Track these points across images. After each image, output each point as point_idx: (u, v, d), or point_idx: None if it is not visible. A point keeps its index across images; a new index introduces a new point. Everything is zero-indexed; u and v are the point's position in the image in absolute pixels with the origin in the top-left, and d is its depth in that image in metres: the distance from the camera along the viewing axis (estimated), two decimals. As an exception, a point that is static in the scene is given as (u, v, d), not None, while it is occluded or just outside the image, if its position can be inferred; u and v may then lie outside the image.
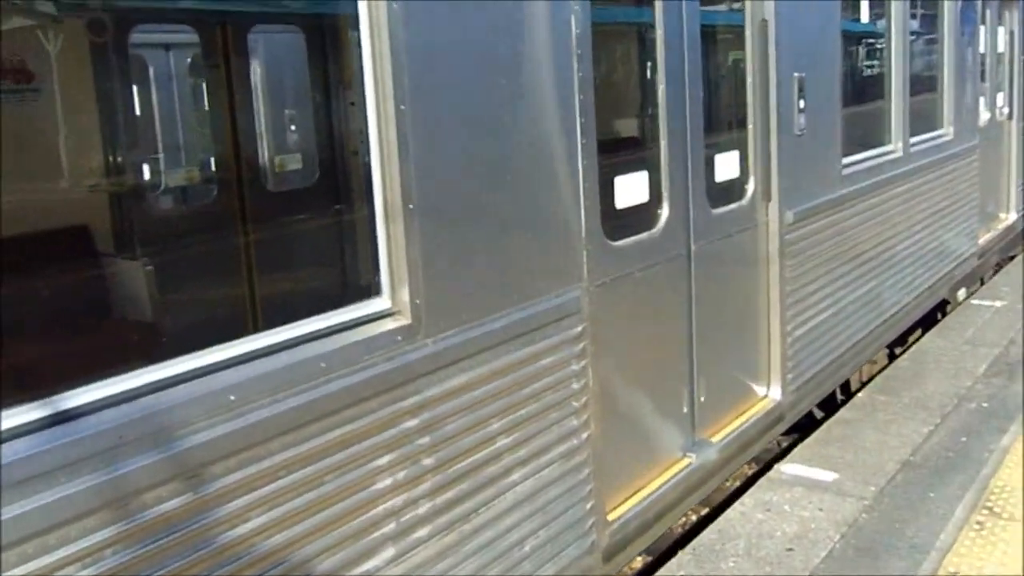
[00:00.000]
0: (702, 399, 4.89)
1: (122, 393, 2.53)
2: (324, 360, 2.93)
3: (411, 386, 3.18)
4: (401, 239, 3.16)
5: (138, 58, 8.24)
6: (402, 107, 3.09)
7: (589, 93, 3.87)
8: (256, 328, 6.15)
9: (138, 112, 8.03)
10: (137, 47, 7.90)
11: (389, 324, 3.15)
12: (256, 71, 8.31)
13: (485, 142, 3.46)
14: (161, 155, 8.48)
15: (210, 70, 7.01)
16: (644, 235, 4.43)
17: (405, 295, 3.18)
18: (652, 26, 4.53)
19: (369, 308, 3.18)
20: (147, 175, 7.44)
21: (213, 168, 7.59)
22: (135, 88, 7.90)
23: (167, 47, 9.01)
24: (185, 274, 5.85)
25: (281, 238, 6.53)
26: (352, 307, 3.16)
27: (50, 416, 2.38)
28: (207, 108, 7.71)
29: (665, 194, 4.51)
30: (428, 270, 3.22)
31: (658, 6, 4.50)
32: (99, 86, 6.10)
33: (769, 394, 5.52)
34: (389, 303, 3.20)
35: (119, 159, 6.33)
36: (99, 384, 2.52)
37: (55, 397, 2.44)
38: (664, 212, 4.52)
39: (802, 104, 5.51)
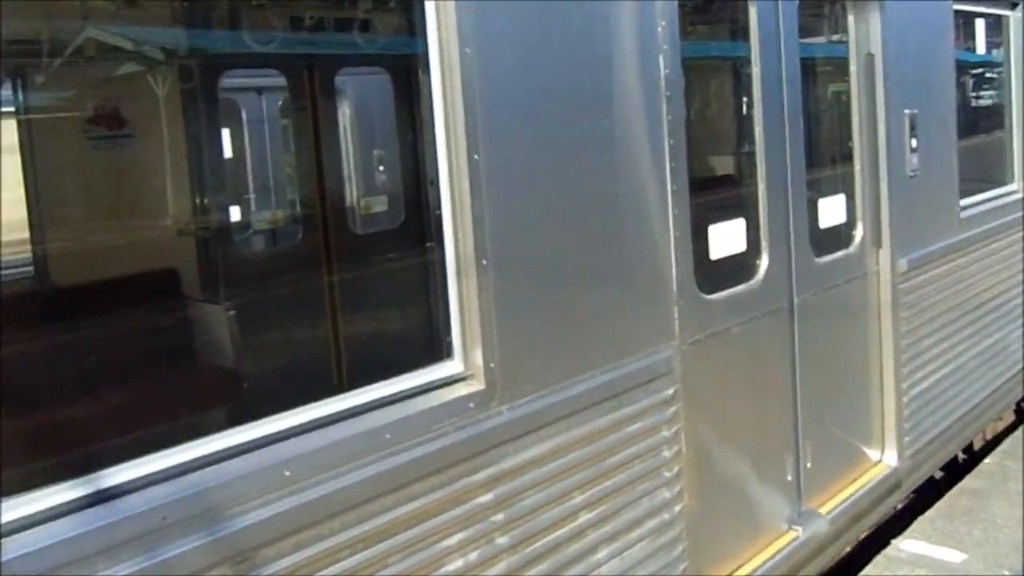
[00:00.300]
0: (808, 465, 4.52)
1: (167, 469, 2.37)
2: (389, 431, 2.73)
3: (484, 457, 2.96)
4: (474, 297, 2.96)
5: (230, 102, 8.34)
6: (475, 156, 2.90)
7: (680, 137, 3.61)
8: (339, 378, 6.07)
9: (228, 155, 8.09)
10: (229, 91, 7.98)
11: (461, 390, 2.95)
12: (344, 113, 8.33)
13: (567, 191, 3.24)
14: (251, 196, 8.55)
15: (298, 112, 7.00)
16: (742, 287, 4.14)
17: (478, 358, 2.98)
18: (748, 61, 4.24)
19: (439, 372, 2.98)
20: (235, 218, 7.46)
21: (299, 210, 7.57)
22: (227, 131, 7.98)
23: (259, 91, 9.11)
24: (267, 320, 5.78)
25: (366, 283, 6.43)
26: (420, 372, 2.96)
27: (88, 496, 2.22)
28: (295, 150, 7.72)
29: (764, 242, 4.21)
30: (504, 331, 3.01)
31: (754, 39, 4.19)
32: (191, 130, 6.14)
33: (884, 459, 5.10)
34: (461, 367, 3.00)
35: (208, 202, 6.34)
36: (142, 460, 2.35)
37: (94, 475, 2.27)
38: (763, 262, 4.21)
39: (914, 143, 5.13)
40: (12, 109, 5.67)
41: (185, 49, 6.08)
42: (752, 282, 4.18)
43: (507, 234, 3.02)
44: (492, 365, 2.98)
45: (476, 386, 2.96)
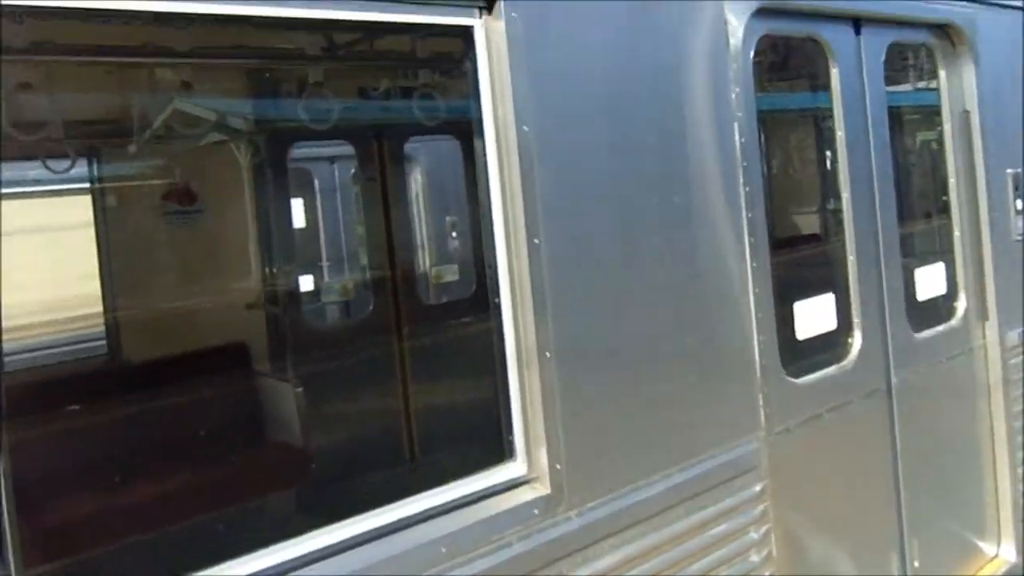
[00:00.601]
0: (916, 564, 4.14)
1: None
2: (445, 543, 2.51)
3: (551, 569, 2.71)
4: (537, 392, 2.74)
5: (303, 171, 8.37)
6: (535, 240, 2.69)
7: (759, 209, 3.36)
8: (412, 456, 5.88)
9: (300, 225, 8.09)
10: (301, 161, 8.00)
11: (525, 494, 2.72)
12: (415, 180, 8.27)
13: (637, 274, 3.02)
14: (321, 267, 8.52)
15: (368, 182, 6.96)
16: (833, 368, 3.83)
17: (543, 458, 2.75)
18: (830, 117, 3.96)
19: (500, 475, 2.76)
20: (305, 288, 7.41)
21: (370, 281, 7.48)
22: (299, 202, 7.98)
23: (331, 159, 9.13)
24: (336, 396, 5.67)
25: (437, 357, 6.27)
26: (479, 475, 2.73)
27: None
28: (366, 220, 7.67)
29: (856, 319, 3.91)
30: (570, 428, 2.78)
31: (837, 99, 3.91)
32: (262, 202, 6.14)
33: (1000, 553, 4.67)
34: (524, 468, 2.78)
35: (277, 275, 6.31)
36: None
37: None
38: (856, 340, 3.90)
39: (1020, 204, 4.73)
40: (86, 185, 5.75)
41: (256, 121, 6.09)
42: (844, 362, 3.87)
43: (572, 323, 2.80)
44: (558, 466, 2.75)
45: (541, 490, 2.73)
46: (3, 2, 1.98)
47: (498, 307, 2.79)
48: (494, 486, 2.71)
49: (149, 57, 4.75)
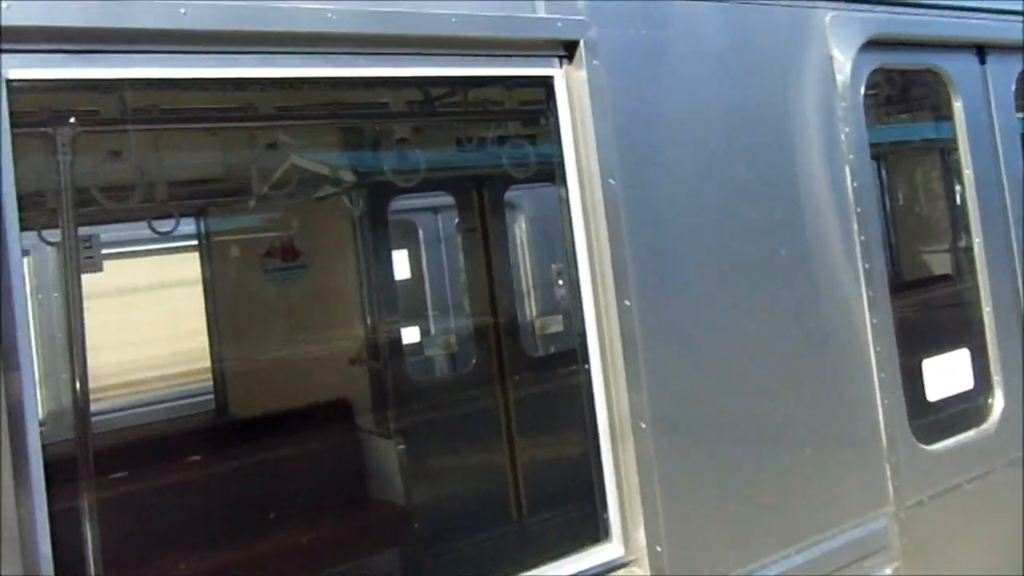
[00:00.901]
0: (1072, 652, 3.63)
1: None
2: None
3: None
4: (633, 467, 2.54)
5: (407, 223, 8.39)
6: (626, 303, 2.49)
7: (878, 260, 3.08)
8: (519, 517, 5.70)
9: (404, 278, 8.09)
10: (405, 212, 8.02)
11: None
12: (518, 228, 8.18)
13: (741, 337, 2.79)
14: (422, 322, 8.49)
15: (468, 233, 6.91)
16: (972, 433, 3.47)
17: (641, 539, 2.55)
18: (953, 148, 3.66)
19: (596, 557, 2.56)
20: (406, 341, 7.37)
21: (472, 333, 7.39)
22: (402, 254, 7.99)
23: (435, 210, 9.14)
24: (438, 454, 5.56)
25: (542, 412, 6.09)
26: (573, 557, 2.54)
27: None
28: (467, 272, 7.62)
29: (997, 377, 3.53)
30: (671, 505, 2.57)
31: (962, 137, 3.57)
32: (366, 256, 6.15)
33: None
34: (621, 550, 2.58)
35: (378, 330, 6.28)
36: None
37: None
38: (998, 401, 3.51)
39: None
40: (195, 243, 5.87)
41: (366, 174, 6.13)
42: (985, 426, 3.50)
43: (670, 390, 2.60)
44: (659, 548, 2.54)
45: (640, 573, 2.53)
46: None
47: (588, 374, 2.59)
48: (589, 569, 2.51)
49: (260, 121, 4.81)
